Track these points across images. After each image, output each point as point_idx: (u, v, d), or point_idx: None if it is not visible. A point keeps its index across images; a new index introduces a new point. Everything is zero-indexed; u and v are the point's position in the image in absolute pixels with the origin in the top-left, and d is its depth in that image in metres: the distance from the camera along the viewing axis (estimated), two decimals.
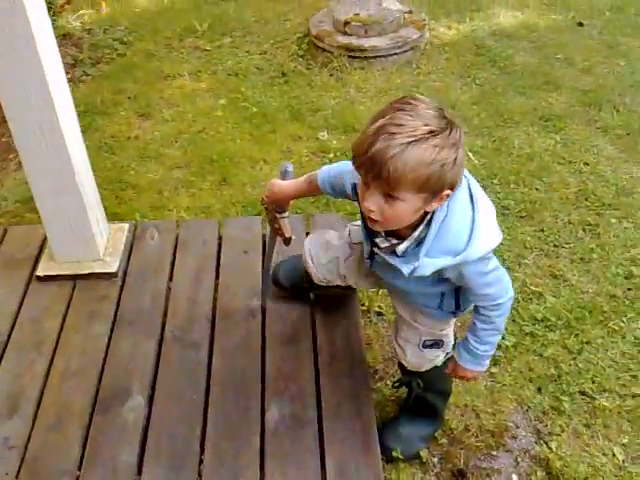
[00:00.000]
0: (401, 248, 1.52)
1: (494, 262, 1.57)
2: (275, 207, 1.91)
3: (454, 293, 1.70)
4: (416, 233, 1.49)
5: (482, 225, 1.47)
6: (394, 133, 1.32)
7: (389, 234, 1.54)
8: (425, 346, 1.81)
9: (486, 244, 1.48)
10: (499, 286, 1.60)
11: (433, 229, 1.46)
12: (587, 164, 3.21)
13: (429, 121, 1.34)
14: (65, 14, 4.72)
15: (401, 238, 1.52)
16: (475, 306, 1.68)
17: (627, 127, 3.45)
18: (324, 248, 2.01)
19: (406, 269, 1.51)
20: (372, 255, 1.67)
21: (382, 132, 1.33)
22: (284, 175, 1.87)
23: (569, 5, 4.65)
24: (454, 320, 1.82)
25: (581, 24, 4.41)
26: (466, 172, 1.51)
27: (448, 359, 1.86)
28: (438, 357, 1.85)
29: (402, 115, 1.34)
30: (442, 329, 1.80)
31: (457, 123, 1.39)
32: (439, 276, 1.56)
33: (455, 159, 1.36)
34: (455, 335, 1.91)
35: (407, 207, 1.40)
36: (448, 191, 1.41)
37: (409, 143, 1.31)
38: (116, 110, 3.81)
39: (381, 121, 1.35)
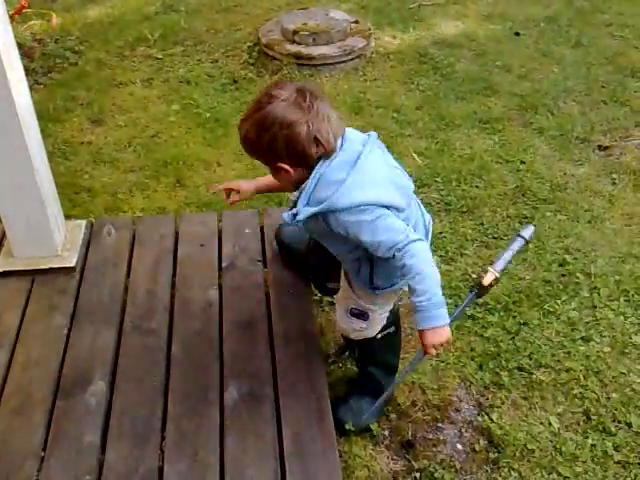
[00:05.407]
0: (292, 197, 1.77)
1: (377, 213, 1.66)
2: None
3: (369, 265, 1.83)
4: (303, 185, 1.71)
5: (355, 182, 1.65)
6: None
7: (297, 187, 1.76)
8: (352, 314, 1.95)
9: (353, 197, 1.64)
10: (390, 233, 1.67)
11: (310, 182, 1.67)
12: (524, 163, 3.41)
13: None
14: (15, 25, 4.71)
15: None
16: None
17: (561, 128, 3.66)
18: None
19: (286, 214, 1.73)
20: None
21: None
22: None
23: (506, 16, 4.89)
24: (378, 299, 1.92)
25: (518, 34, 4.66)
26: (371, 142, 1.72)
27: (386, 335, 2.00)
28: (364, 329, 1.98)
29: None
30: (368, 303, 1.93)
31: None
32: (331, 231, 1.73)
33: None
34: (395, 317, 2.05)
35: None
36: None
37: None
38: (68, 117, 3.87)
39: None
